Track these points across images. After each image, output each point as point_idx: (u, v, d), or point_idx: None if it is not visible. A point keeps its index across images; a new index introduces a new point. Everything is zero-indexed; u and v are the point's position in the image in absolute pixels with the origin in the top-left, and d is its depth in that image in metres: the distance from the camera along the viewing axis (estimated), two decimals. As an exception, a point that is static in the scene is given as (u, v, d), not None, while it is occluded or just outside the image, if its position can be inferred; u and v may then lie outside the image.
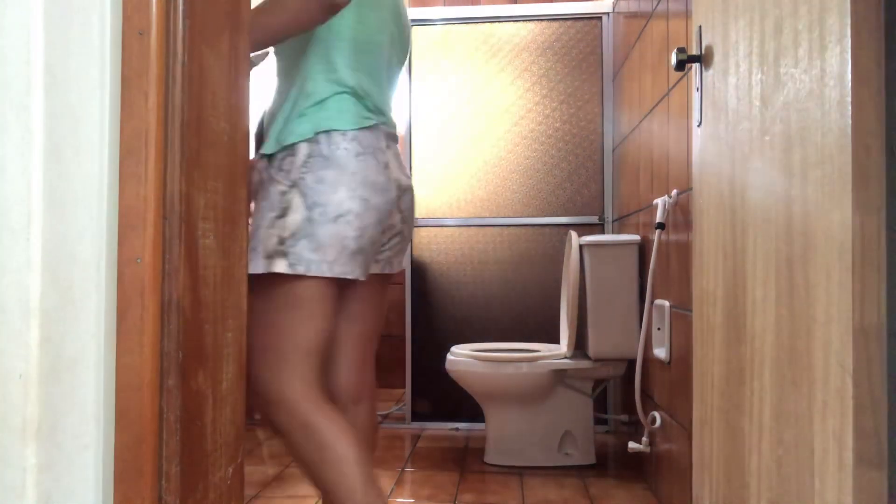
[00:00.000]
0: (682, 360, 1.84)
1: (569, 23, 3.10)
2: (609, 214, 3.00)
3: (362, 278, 1.28)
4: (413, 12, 3.12)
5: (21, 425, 0.88)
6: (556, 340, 2.96)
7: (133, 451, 0.93)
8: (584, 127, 3.06)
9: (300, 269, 1.20)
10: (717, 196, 1.25)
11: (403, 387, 3.09)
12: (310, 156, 1.22)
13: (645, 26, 2.35)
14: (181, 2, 0.99)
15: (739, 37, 1.15)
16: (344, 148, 1.22)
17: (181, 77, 1.00)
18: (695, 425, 1.39)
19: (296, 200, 1.20)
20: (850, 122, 0.75)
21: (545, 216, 2.98)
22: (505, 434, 2.45)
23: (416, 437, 2.78)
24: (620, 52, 2.87)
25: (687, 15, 1.77)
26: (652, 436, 2.14)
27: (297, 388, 1.21)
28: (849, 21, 0.75)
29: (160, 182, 0.97)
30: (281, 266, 1.20)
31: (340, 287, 1.33)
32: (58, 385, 0.91)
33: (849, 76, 0.75)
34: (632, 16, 2.61)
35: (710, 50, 1.31)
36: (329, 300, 1.25)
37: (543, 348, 2.59)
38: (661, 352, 2.03)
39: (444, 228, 3.03)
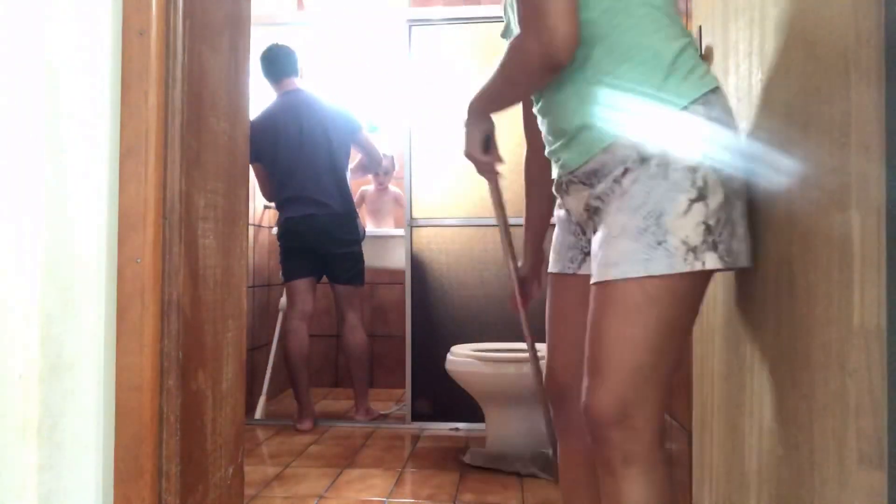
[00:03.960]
0: (682, 360, 1.84)
1: (569, 23, 3.09)
2: (609, 214, 2.99)
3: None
4: (413, 12, 3.11)
5: (21, 425, 0.88)
6: (556, 340, 2.96)
7: (133, 451, 0.93)
8: (584, 127, 3.06)
9: (729, 262, 0.97)
10: (717, 196, 1.25)
11: (403, 387, 3.09)
12: (710, 119, 0.98)
13: (645, 26, 2.34)
14: (181, 2, 0.99)
15: (739, 37, 1.15)
16: (725, 109, 1.02)
17: (181, 77, 1.00)
18: (695, 425, 1.39)
19: (711, 179, 0.96)
20: (850, 121, 0.75)
21: (545, 216, 2.96)
22: (505, 434, 2.45)
23: (416, 437, 2.78)
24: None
25: (687, 15, 1.77)
26: (652, 436, 2.14)
27: (660, 416, 1.00)
28: (848, 22, 0.75)
29: (160, 182, 0.97)
30: (711, 261, 0.95)
31: None
32: (58, 385, 0.91)
33: (849, 76, 0.75)
34: (632, 16, 2.60)
35: (709, 50, 1.30)
36: None
37: (544, 348, 2.59)
38: (661, 352, 2.03)
39: (444, 228, 3.03)
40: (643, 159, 0.97)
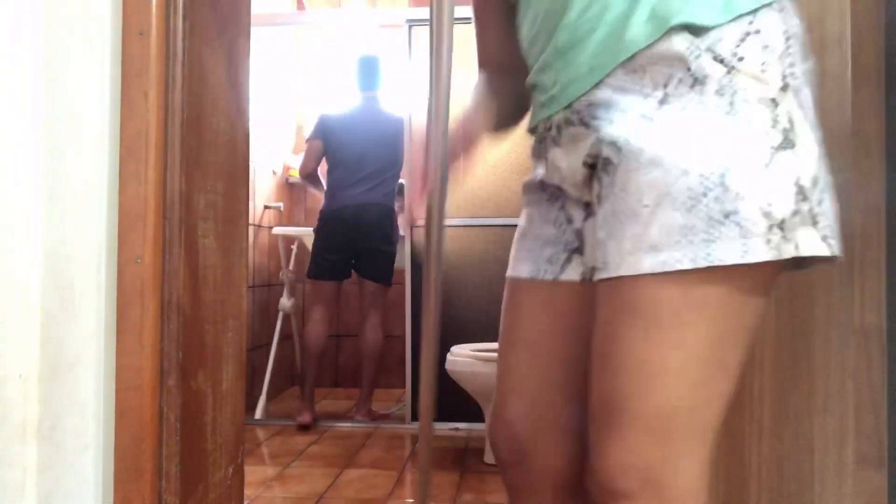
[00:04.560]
0: (682, 360, 1.84)
1: (569, 23, 3.09)
2: (609, 214, 2.99)
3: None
4: (413, 12, 3.11)
5: (21, 425, 0.88)
6: (556, 340, 2.96)
7: (133, 451, 0.93)
8: (584, 127, 3.06)
9: (833, 248, 0.64)
10: (717, 196, 1.25)
11: (403, 387, 3.09)
12: (788, 36, 0.65)
13: (645, 26, 2.34)
14: (181, 2, 0.99)
15: (739, 37, 1.15)
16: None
17: (181, 77, 1.00)
18: (695, 425, 1.39)
19: (798, 118, 0.64)
20: (849, 122, 0.75)
21: (545, 216, 2.96)
22: (505, 434, 2.45)
23: (416, 438, 2.78)
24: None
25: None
26: (652, 436, 2.13)
27: (705, 486, 0.67)
28: (848, 22, 0.75)
29: (160, 182, 0.97)
30: (812, 242, 0.62)
31: None
32: (58, 385, 0.91)
33: (849, 76, 0.75)
34: (632, 16, 2.60)
35: (710, 50, 1.30)
36: None
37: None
38: (661, 352, 2.03)
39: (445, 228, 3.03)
40: (696, 79, 0.63)
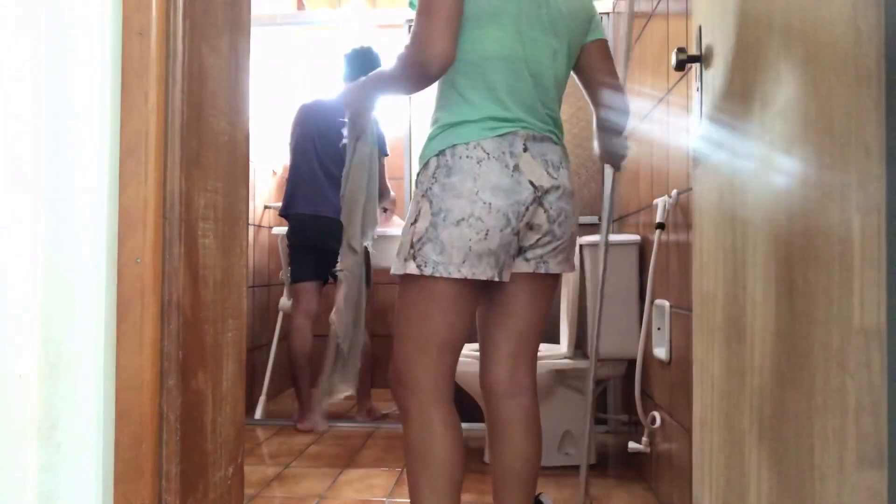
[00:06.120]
0: (682, 360, 1.84)
1: (569, 23, 3.09)
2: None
3: (497, 279, 1.34)
4: (413, 12, 3.11)
5: (21, 425, 0.88)
6: (556, 340, 2.96)
7: (133, 451, 0.93)
8: (584, 127, 3.06)
9: (427, 271, 1.29)
10: (717, 196, 1.25)
11: (403, 387, 3.09)
12: (437, 167, 1.32)
13: (645, 26, 2.35)
14: (181, 2, 0.99)
15: (739, 37, 1.15)
16: (466, 157, 1.31)
17: (181, 77, 1.00)
18: (695, 425, 1.39)
19: (424, 208, 1.31)
20: (850, 122, 0.75)
21: (545, 216, 2.96)
22: (505, 434, 2.45)
23: (416, 437, 2.79)
24: (621, 52, 2.86)
25: (687, 15, 1.77)
26: (652, 436, 2.14)
27: (425, 377, 1.34)
28: (848, 23, 0.75)
29: (160, 182, 0.97)
30: (411, 267, 1.30)
31: (483, 287, 1.39)
32: (58, 385, 0.91)
33: (849, 76, 0.75)
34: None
35: (710, 50, 1.31)
36: (462, 298, 1.33)
37: (543, 348, 2.59)
38: (661, 352, 2.03)
39: (444, 228, 3.03)
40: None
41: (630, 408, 2.52)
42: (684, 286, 1.81)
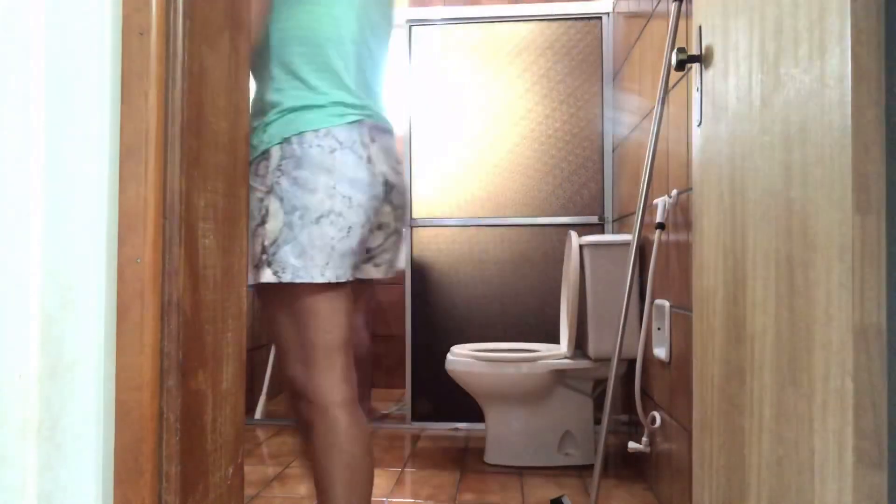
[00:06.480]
0: (682, 360, 1.84)
1: (569, 23, 3.10)
2: (609, 214, 3.00)
3: (352, 279, 1.24)
4: (413, 12, 3.11)
5: (21, 425, 0.88)
6: (556, 340, 2.96)
7: (133, 451, 0.93)
8: (584, 127, 3.06)
9: (286, 278, 1.15)
10: (717, 196, 1.25)
11: (403, 387, 3.09)
12: (282, 158, 1.18)
13: (645, 26, 2.35)
14: (181, 2, 0.99)
15: (739, 37, 1.15)
16: (317, 146, 1.18)
17: (181, 77, 1.00)
18: (695, 425, 1.39)
19: (273, 206, 1.17)
20: (850, 122, 0.75)
21: (545, 216, 2.98)
22: (505, 434, 2.45)
23: (416, 437, 2.78)
24: (620, 52, 2.87)
25: (687, 15, 1.77)
26: (652, 436, 2.14)
27: (322, 384, 1.22)
28: (849, 22, 0.75)
29: (160, 182, 0.97)
30: (267, 275, 1.16)
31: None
32: (58, 385, 0.91)
33: (849, 77, 0.75)
34: (632, 16, 2.61)
35: (710, 50, 1.31)
36: (329, 300, 1.21)
37: (543, 348, 2.59)
38: (661, 352, 2.03)
39: (444, 228, 3.03)
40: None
41: (630, 408, 2.52)
42: (684, 286, 1.81)
